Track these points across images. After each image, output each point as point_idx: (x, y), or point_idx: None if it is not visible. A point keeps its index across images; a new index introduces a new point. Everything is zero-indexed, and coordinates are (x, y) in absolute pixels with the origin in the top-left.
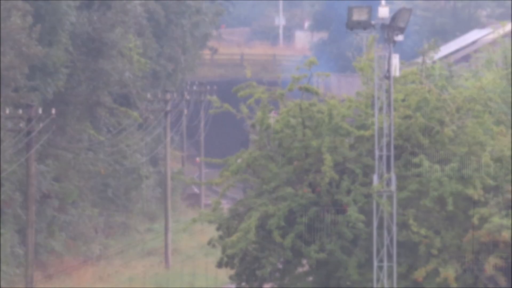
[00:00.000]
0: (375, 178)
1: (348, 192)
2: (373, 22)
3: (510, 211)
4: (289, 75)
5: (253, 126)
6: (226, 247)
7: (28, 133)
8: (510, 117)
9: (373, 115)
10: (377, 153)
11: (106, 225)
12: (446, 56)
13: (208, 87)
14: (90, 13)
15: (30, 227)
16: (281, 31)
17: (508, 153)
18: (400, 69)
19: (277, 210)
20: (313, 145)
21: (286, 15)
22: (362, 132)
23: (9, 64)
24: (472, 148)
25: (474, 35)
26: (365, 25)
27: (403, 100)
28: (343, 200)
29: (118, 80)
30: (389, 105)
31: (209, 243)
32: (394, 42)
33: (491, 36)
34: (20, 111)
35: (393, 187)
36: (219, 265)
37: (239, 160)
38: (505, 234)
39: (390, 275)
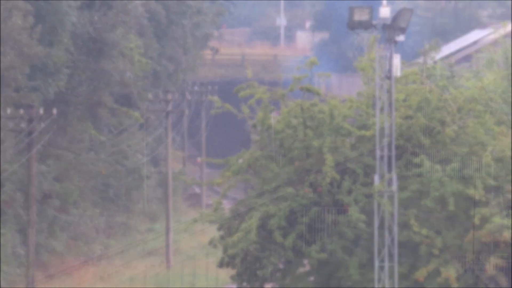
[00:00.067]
0: (376, 178)
1: (349, 192)
2: (374, 22)
3: (510, 211)
4: (290, 75)
5: (254, 126)
6: (227, 247)
7: (29, 133)
8: (510, 117)
9: (374, 115)
10: (378, 153)
11: (107, 225)
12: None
13: (209, 87)
14: (91, 13)
15: (31, 227)
16: (282, 31)
17: (509, 153)
18: (401, 69)
19: (278, 210)
20: (314, 145)
21: (287, 15)
22: (363, 132)
23: (10, 64)
24: (473, 148)
25: (475, 35)
26: (366, 25)
27: (404, 100)
28: (344, 200)
29: (119, 80)
30: (390, 105)
31: (210, 243)
32: (395, 42)
33: (492, 36)
34: (21, 111)
35: (394, 187)
36: (220, 265)
37: (240, 160)
38: (506, 234)
39: (391, 275)
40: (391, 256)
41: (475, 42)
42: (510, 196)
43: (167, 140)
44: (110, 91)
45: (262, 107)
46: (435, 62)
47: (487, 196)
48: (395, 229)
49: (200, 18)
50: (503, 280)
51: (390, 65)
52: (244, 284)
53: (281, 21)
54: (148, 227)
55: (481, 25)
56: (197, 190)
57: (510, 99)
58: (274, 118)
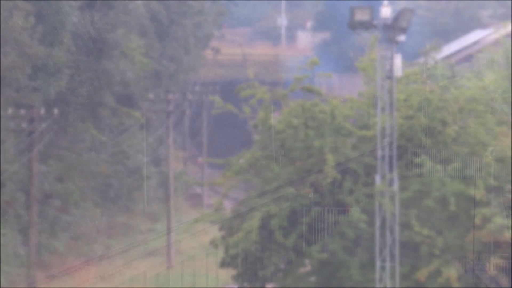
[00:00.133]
0: (377, 178)
1: (350, 192)
2: (375, 22)
3: (510, 211)
4: (291, 75)
5: (255, 126)
6: (229, 247)
7: (30, 133)
8: (511, 118)
9: (375, 115)
10: (379, 153)
11: (108, 225)
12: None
13: (210, 87)
14: (92, 13)
15: (32, 227)
16: (283, 32)
17: (509, 153)
18: (402, 69)
19: (279, 211)
20: (315, 145)
21: (288, 15)
22: (364, 132)
23: (11, 64)
24: (474, 149)
25: (476, 35)
26: (367, 25)
27: (405, 100)
28: (345, 200)
29: (120, 80)
30: (391, 105)
31: (211, 243)
32: (396, 42)
33: (493, 37)
34: (22, 112)
35: (395, 187)
36: (222, 265)
37: (241, 161)
38: (507, 234)
39: (392, 275)
40: (392, 256)
41: (476, 42)
42: (510, 196)
43: (168, 140)
44: (111, 91)
45: (263, 107)
46: (436, 62)
47: (488, 196)
48: (397, 229)
49: (201, 18)
50: (504, 280)
51: (391, 65)
52: (245, 284)
53: (282, 21)
54: (149, 227)
55: (482, 25)
56: (198, 190)
57: (511, 99)
58: (275, 118)
